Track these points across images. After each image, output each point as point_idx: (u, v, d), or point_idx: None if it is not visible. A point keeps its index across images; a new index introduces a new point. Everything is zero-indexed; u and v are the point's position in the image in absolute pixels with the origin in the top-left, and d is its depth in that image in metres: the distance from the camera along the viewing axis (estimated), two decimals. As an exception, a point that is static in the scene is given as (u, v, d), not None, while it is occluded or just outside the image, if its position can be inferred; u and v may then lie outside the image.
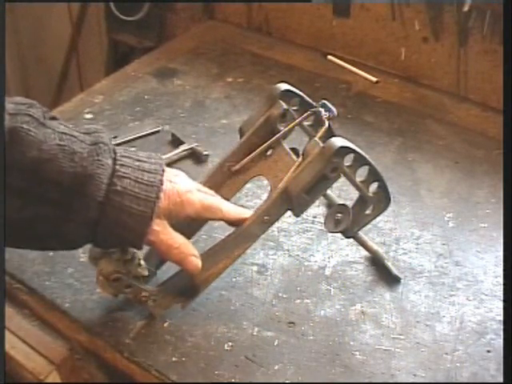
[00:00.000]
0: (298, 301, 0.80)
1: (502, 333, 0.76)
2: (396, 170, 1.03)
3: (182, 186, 0.68)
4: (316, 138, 0.72)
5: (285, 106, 0.77)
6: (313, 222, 0.91)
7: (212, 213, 0.71)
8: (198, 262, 0.70)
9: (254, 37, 1.41)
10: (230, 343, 0.74)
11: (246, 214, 0.72)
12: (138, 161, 0.64)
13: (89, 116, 1.13)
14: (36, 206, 0.60)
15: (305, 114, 0.77)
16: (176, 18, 1.54)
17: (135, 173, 0.63)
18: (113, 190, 0.61)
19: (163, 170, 0.66)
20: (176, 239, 0.68)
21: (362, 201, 0.75)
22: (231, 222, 0.73)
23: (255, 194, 0.95)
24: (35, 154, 0.59)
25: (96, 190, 0.61)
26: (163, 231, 0.66)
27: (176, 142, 1.06)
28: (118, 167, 0.63)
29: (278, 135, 0.77)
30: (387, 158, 1.05)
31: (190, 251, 0.69)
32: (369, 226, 0.78)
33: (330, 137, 0.71)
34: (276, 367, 0.72)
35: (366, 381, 0.71)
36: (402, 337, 0.76)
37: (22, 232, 0.63)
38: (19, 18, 1.99)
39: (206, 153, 1.04)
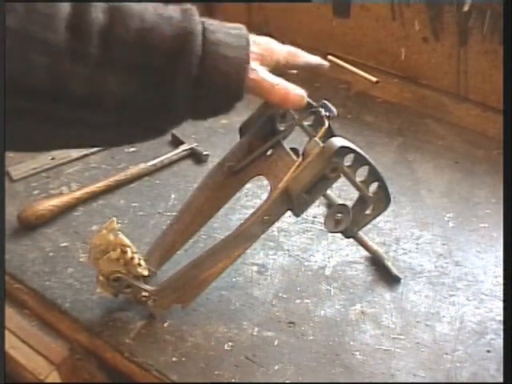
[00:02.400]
0: (298, 301, 0.80)
1: (501, 333, 0.76)
2: (396, 170, 1.03)
3: (267, 38, 0.71)
4: (316, 138, 0.72)
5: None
6: (313, 222, 0.91)
7: (297, 57, 0.74)
8: (303, 97, 0.71)
9: (254, 37, 1.41)
10: (230, 343, 0.74)
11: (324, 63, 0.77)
12: (221, 25, 0.67)
13: (89, 116, 1.13)
14: (142, 76, 0.61)
15: (305, 114, 0.76)
16: (176, 18, 1.54)
17: (224, 28, 0.66)
18: (208, 41, 0.63)
19: (246, 30, 0.68)
20: (276, 78, 0.69)
21: (362, 201, 0.75)
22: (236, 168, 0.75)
23: (255, 194, 0.95)
24: (138, 25, 0.61)
25: (196, 46, 0.62)
26: (262, 72, 0.68)
27: (176, 141, 1.06)
28: (207, 26, 0.65)
29: (278, 135, 0.77)
30: (387, 158, 1.05)
31: (293, 86, 0.70)
32: (369, 226, 0.78)
33: (330, 137, 0.71)
34: (276, 367, 0.72)
35: (366, 381, 0.71)
36: (401, 337, 0.76)
37: (126, 109, 0.63)
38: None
39: (205, 153, 1.04)
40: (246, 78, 0.65)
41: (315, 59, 0.77)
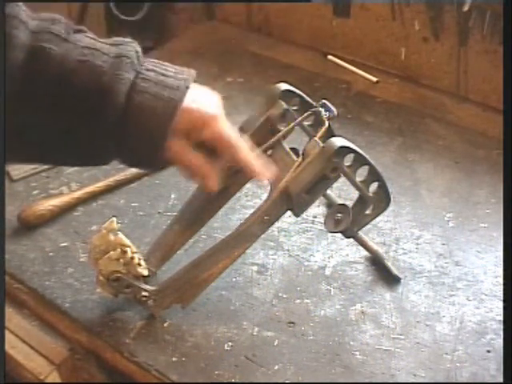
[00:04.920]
0: (298, 301, 0.80)
1: (502, 333, 0.76)
2: (396, 170, 1.03)
3: (209, 108, 0.67)
4: (316, 138, 0.72)
5: (285, 105, 0.77)
6: (313, 222, 0.91)
7: (227, 147, 0.68)
8: (216, 185, 0.69)
9: (254, 37, 1.41)
10: (230, 343, 0.74)
11: (260, 172, 0.70)
12: (163, 75, 0.64)
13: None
14: (66, 116, 0.61)
15: (305, 114, 0.76)
16: (176, 18, 1.54)
17: (156, 87, 0.63)
18: (130, 104, 0.62)
19: (187, 87, 0.64)
20: (197, 158, 0.67)
21: (361, 201, 0.75)
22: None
23: (255, 194, 0.95)
24: (57, 71, 0.60)
25: (114, 104, 0.61)
26: (183, 150, 0.66)
27: (176, 142, 1.06)
28: (138, 81, 0.62)
29: (278, 135, 0.77)
30: (387, 158, 1.05)
31: (209, 172, 0.68)
32: (369, 226, 0.78)
33: (330, 137, 0.71)
34: (276, 367, 0.72)
35: (366, 381, 0.71)
36: (402, 337, 0.76)
37: (56, 144, 0.63)
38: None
39: (206, 153, 1.03)
40: (163, 147, 0.63)
41: (246, 160, 0.69)
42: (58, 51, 0.61)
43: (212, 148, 0.68)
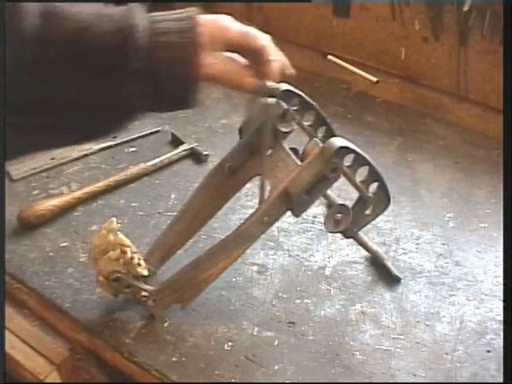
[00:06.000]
0: (298, 301, 0.80)
1: (502, 333, 0.76)
2: (396, 170, 1.03)
3: (219, 16, 0.68)
4: (316, 138, 0.72)
5: (285, 106, 0.77)
6: (313, 222, 0.91)
7: (250, 39, 0.68)
8: (254, 81, 0.68)
9: (254, 37, 1.41)
10: (230, 343, 0.74)
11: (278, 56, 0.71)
12: (171, 10, 0.65)
13: (89, 116, 1.13)
14: (85, 75, 0.60)
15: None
16: (176, 17, 1.54)
17: (172, 15, 0.64)
18: (155, 32, 0.62)
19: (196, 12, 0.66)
20: (228, 61, 0.67)
21: (361, 201, 0.75)
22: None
23: (255, 194, 0.95)
24: (73, 25, 0.59)
25: (139, 39, 0.61)
26: (212, 55, 0.65)
27: (176, 141, 1.06)
28: (153, 18, 0.63)
29: (278, 135, 0.77)
30: (387, 158, 1.05)
31: (244, 71, 0.68)
32: (369, 226, 0.78)
33: (330, 137, 0.71)
34: (276, 367, 0.72)
35: (366, 381, 0.71)
36: (401, 337, 0.76)
37: (76, 109, 0.62)
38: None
39: (205, 153, 1.04)
40: (195, 64, 0.63)
41: (272, 49, 0.70)
42: (69, 11, 0.60)
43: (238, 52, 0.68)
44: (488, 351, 0.74)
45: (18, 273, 0.82)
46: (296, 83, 0.81)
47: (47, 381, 0.76)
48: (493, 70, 1.16)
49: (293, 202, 0.70)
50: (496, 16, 1.11)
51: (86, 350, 0.77)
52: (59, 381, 0.77)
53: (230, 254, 0.73)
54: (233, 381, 0.71)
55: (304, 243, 0.88)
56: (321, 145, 0.70)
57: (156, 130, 1.10)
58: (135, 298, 0.74)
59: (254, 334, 0.76)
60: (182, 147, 1.04)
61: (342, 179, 0.72)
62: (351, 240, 0.83)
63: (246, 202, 0.94)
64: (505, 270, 0.80)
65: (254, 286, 0.82)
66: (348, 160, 0.71)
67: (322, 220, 0.74)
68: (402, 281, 0.83)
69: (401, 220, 0.93)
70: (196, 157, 1.04)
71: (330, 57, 1.33)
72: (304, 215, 0.75)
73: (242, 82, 0.68)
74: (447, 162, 1.05)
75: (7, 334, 0.76)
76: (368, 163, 0.72)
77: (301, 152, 0.74)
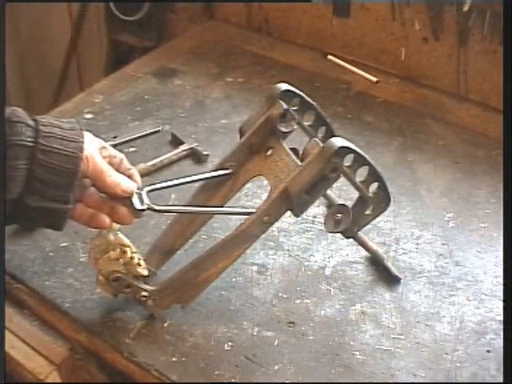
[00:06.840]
0: (298, 301, 0.80)
1: (502, 333, 0.76)
2: (396, 170, 1.03)
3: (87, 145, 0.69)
4: (316, 138, 0.72)
5: (285, 106, 0.77)
6: (313, 222, 0.91)
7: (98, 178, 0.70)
8: (131, 191, 0.71)
9: (254, 37, 1.41)
10: (230, 343, 0.74)
11: (127, 185, 0.71)
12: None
13: (89, 116, 1.13)
14: None
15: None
16: (176, 17, 1.54)
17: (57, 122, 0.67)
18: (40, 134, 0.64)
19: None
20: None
21: (362, 201, 0.75)
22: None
23: (255, 194, 0.95)
24: None
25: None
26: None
27: (176, 141, 1.06)
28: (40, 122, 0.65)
29: (278, 135, 0.77)
30: (387, 158, 1.05)
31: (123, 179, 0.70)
32: (369, 226, 0.78)
33: (330, 137, 0.71)
34: (276, 367, 0.72)
35: (366, 381, 0.71)
36: (402, 337, 0.76)
37: None
38: (19, 18, 1.98)
39: (205, 153, 1.04)
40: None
41: (112, 183, 0.70)
42: None
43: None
44: (488, 351, 0.74)
45: (17, 273, 0.82)
46: (296, 83, 0.81)
47: (47, 381, 0.76)
48: (493, 70, 1.16)
49: (293, 201, 0.70)
50: (496, 16, 1.11)
51: (85, 350, 0.77)
52: (59, 381, 0.77)
53: (230, 254, 0.73)
54: (233, 381, 0.71)
55: (304, 243, 0.88)
56: (321, 145, 0.70)
57: (156, 130, 1.10)
58: (135, 298, 0.74)
59: (254, 333, 0.76)
60: (181, 147, 1.04)
61: (342, 179, 0.72)
62: (351, 240, 0.83)
63: (246, 202, 0.94)
64: (505, 270, 0.80)
65: (254, 286, 0.82)
66: (348, 160, 0.71)
67: (322, 220, 0.74)
68: (402, 281, 0.83)
69: (401, 220, 0.93)
70: (196, 157, 1.04)
71: (329, 57, 1.33)
72: (304, 215, 0.75)
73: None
74: (447, 162, 1.05)
75: (7, 334, 0.76)
76: (368, 163, 0.72)
77: (301, 152, 0.74)
